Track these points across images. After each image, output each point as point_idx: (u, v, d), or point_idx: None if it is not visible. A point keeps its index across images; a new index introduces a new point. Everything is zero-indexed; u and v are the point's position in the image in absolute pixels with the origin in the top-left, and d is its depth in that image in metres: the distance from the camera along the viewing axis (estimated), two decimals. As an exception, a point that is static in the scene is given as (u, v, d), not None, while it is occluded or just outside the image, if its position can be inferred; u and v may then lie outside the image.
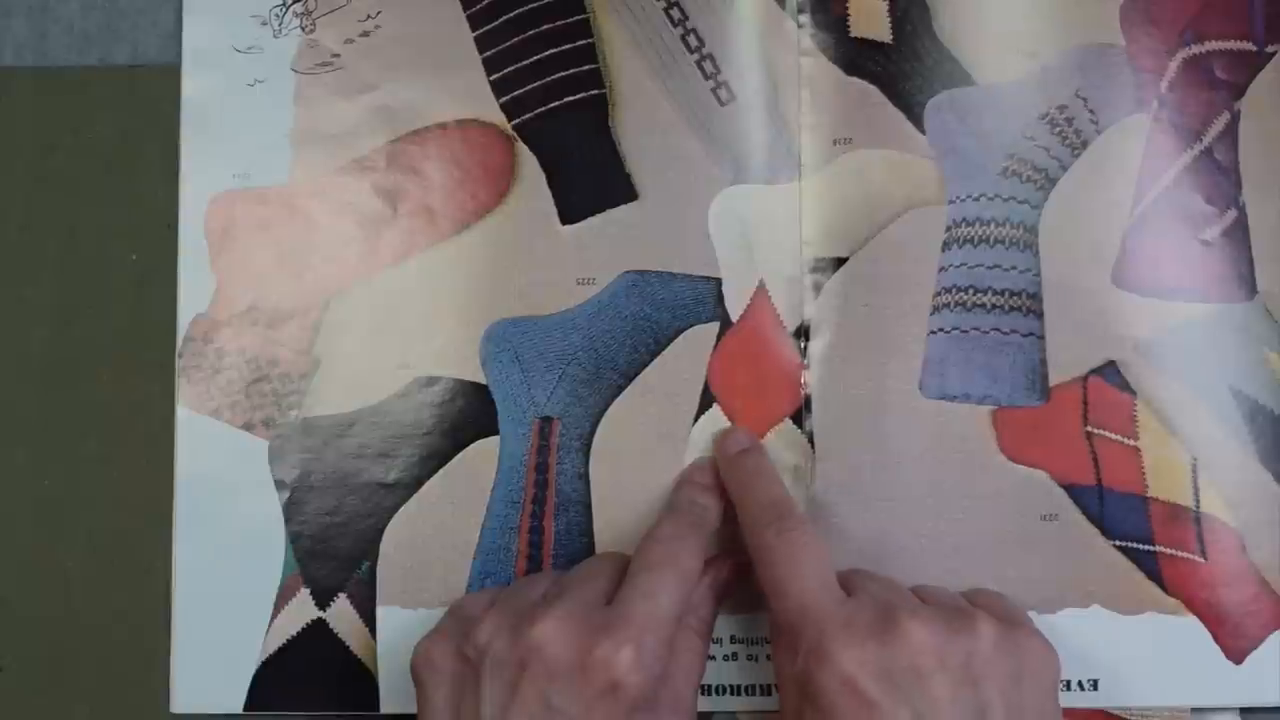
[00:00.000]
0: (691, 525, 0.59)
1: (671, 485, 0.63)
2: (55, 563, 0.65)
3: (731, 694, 0.62)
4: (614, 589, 0.56)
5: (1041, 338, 0.63)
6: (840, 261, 0.63)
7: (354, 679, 0.63)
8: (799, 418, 0.63)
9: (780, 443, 0.63)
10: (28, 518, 0.65)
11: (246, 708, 0.63)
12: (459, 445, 0.64)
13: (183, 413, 0.64)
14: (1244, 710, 0.62)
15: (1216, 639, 0.62)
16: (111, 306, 0.65)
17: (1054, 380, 0.63)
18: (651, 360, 0.64)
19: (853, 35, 0.65)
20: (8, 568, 0.65)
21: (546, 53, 0.65)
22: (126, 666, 0.64)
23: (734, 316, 0.63)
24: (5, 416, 0.65)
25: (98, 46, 0.67)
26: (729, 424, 0.63)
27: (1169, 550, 0.62)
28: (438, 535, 0.63)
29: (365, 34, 0.65)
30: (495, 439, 0.64)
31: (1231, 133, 0.64)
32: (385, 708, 0.63)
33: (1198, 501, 0.62)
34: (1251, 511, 0.63)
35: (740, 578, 0.61)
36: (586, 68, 0.65)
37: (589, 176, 0.64)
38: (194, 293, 0.64)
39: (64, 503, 0.65)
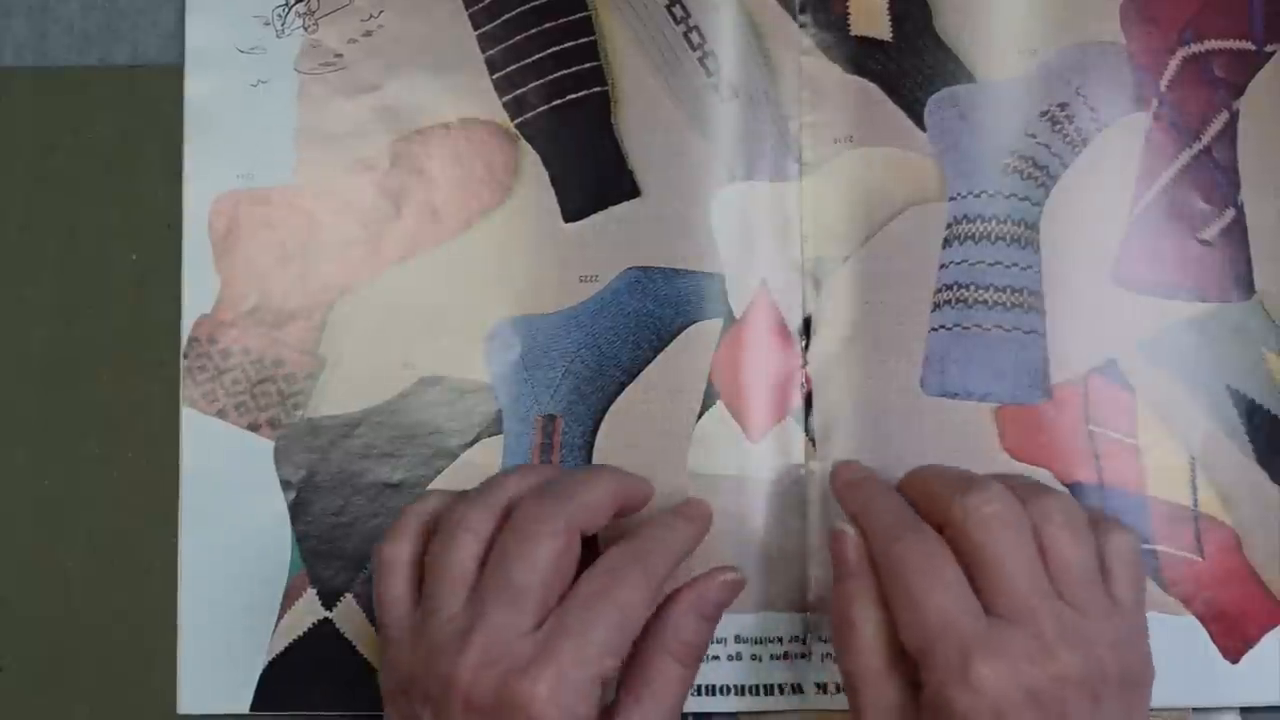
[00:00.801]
0: (642, 552, 0.56)
1: (672, 482, 0.63)
2: (55, 563, 0.64)
3: (735, 694, 0.62)
4: (546, 585, 0.53)
5: (1043, 335, 0.63)
6: (842, 259, 0.64)
7: (361, 679, 0.63)
8: (800, 415, 0.63)
9: (783, 440, 0.63)
10: (28, 518, 0.65)
11: (253, 708, 0.63)
12: (464, 444, 0.64)
13: (188, 413, 0.64)
14: (1243, 710, 0.63)
15: (1214, 638, 0.62)
16: (111, 306, 0.65)
17: (1056, 378, 0.63)
18: (654, 357, 0.64)
19: (853, 34, 0.65)
20: (8, 568, 0.65)
21: (548, 51, 0.65)
22: (126, 667, 0.64)
23: (737, 313, 0.63)
24: (5, 416, 0.65)
25: (98, 46, 0.67)
26: (736, 424, 0.63)
27: (1168, 549, 0.62)
28: (443, 535, 0.63)
29: (368, 33, 0.65)
30: (499, 438, 0.64)
31: (1230, 132, 0.64)
32: (390, 706, 0.63)
33: (1196, 501, 0.63)
34: (1248, 511, 0.63)
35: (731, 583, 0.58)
36: (588, 66, 0.65)
37: (591, 174, 0.64)
38: (198, 293, 0.64)
39: (64, 503, 0.65)
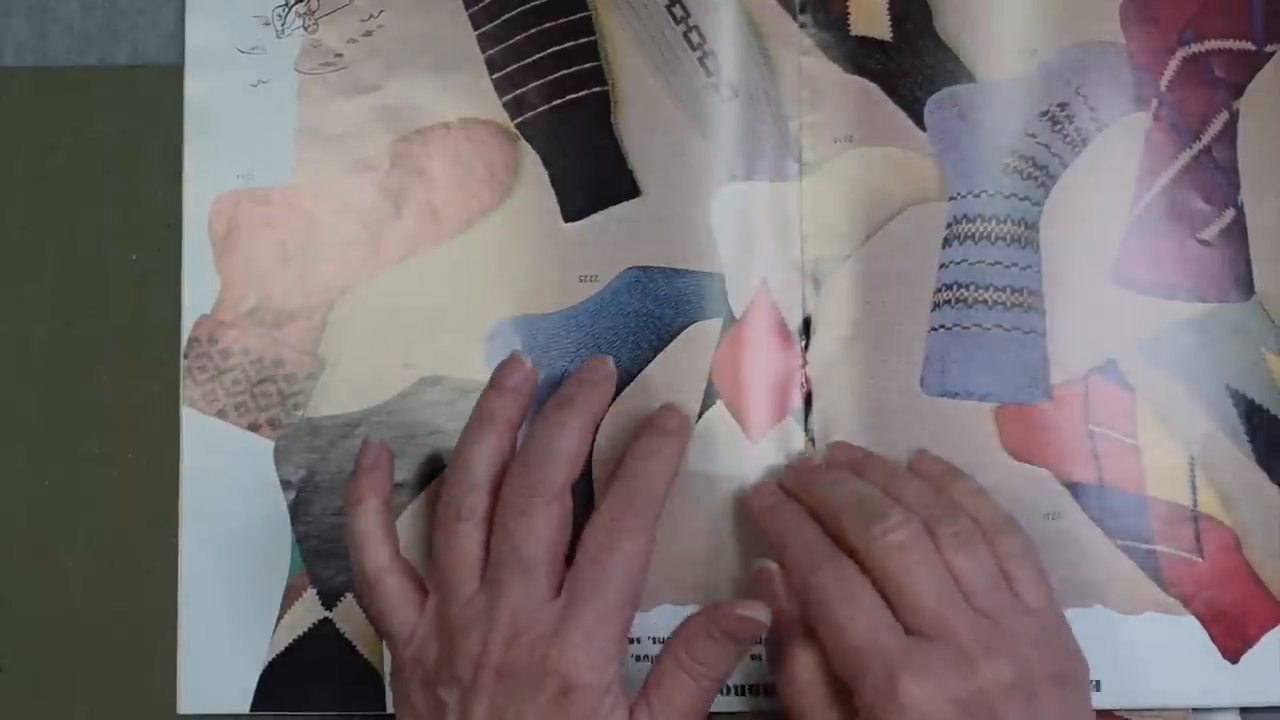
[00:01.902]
0: (633, 493, 0.57)
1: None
2: (55, 563, 0.65)
3: (735, 694, 0.62)
4: (552, 553, 0.55)
5: (1043, 335, 0.63)
6: (842, 259, 0.64)
7: (361, 679, 0.63)
8: (800, 415, 0.63)
9: (783, 440, 0.63)
10: (27, 518, 0.65)
11: (253, 708, 0.63)
12: (464, 445, 0.64)
13: (188, 413, 0.64)
14: (1243, 710, 0.63)
15: (1213, 639, 0.62)
16: (111, 306, 0.65)
17: (1056, 378, 0.63)
18: (654, 357, 0.64)
19: (853, 34, 0.65)
20: (8, 568, 0.65)
21: (548, 51, 0.65)
22: (127, 667, 0.64)
23: (737, 313, 0.63)
24: (5, 416, 0.65)
25: (98, 46, 0.67)
26: (736, 424, 0.63)
27: (1168, 549, 0.62)
28: (443, 535, 0.63)
29: (368, 33, 0.65)
30: (499, 438, 0.63)
31: (1230, 132, 0.64)
32: (392, 708, 0.62)
33: (1195, 500, 0.63)
34: (1247, 511, 0.63)
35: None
36: (588, 65, 0.65)
37: (591, 174, 0.64)
38: (198, 293, 0.64)
39: (64, 503, 0.65)
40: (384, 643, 0.61)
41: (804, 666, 0.55)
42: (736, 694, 0.62)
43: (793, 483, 0.61)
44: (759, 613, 0.55)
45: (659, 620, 0.62)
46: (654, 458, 0.59)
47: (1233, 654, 0.62)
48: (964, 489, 0.59)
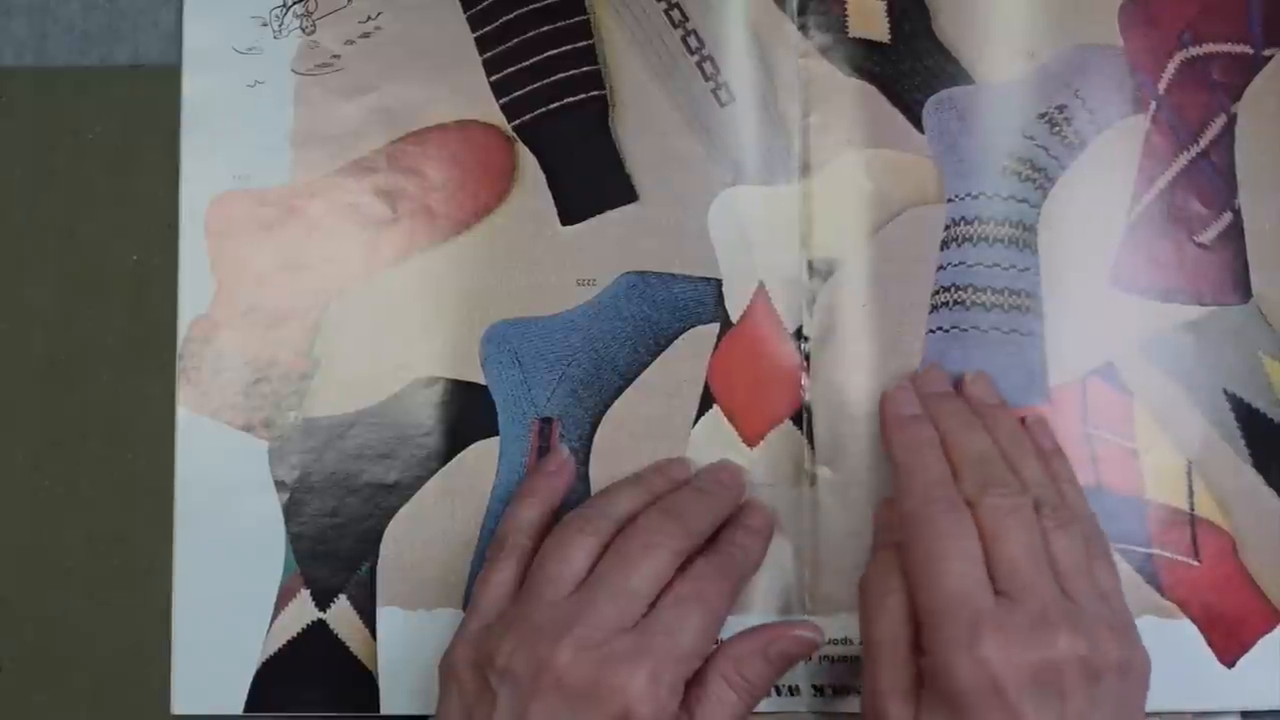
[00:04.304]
0: (727, 566, 0.59)
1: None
2: (55, 563, 0.65)
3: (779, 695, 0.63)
4: (652, 594, 0.56)
5: (1041, 337, 0.63)
6: (840, 262, 0.64)
7: (354, 680, 0.63)
8: (799, 418, 0.63)
9: (780, 444, 0.63)
10: (27, 518, 0.65)
11: (247, 708, 0.63)
12: (459, 446, 0.64)
13: (183, 414, 0.64)
14: (1244, 714, 0.62)
15: (1210, 642, 0.62)
16: (111, 306, 0.65)
17: (1054, 380, 0.63)
18: (652, 361, 0.64)
19: (851, 35, 0.65)
20: (8, 568, 0.65)
21: (547, 54, 0.65)
22: (126, 667, 0.64)
23: (734, 317, 0.63)
24: (5, 416, 0.65)
25: (98, 46, 0.67)
26: (732, 428, 0.63)
27: (1165, 553, 0.62)
28: (438, 536, 0.63)
29: (366, 35, 0.65)
30: (495, 440, 0.64)
31: (1228, 135, 0.64)
32: (385, 709, 0.63)
33: (1193, 504, 0.63)
34: (1244, 515, 0.63)
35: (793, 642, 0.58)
36: (587, 69, 0.65)
37: (589, 178, 0.64)
38: (194, 294, 0.64)
39: (64, 502, 0.65)
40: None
41: (895, 603, 0.56)
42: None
43: (926, 397, 0.62)
44: (813, 633, 0.58)
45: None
46: (750, 549, 0.61)
47: (1229, 658, 0.62)
48: (1064, 473, 0.61)
